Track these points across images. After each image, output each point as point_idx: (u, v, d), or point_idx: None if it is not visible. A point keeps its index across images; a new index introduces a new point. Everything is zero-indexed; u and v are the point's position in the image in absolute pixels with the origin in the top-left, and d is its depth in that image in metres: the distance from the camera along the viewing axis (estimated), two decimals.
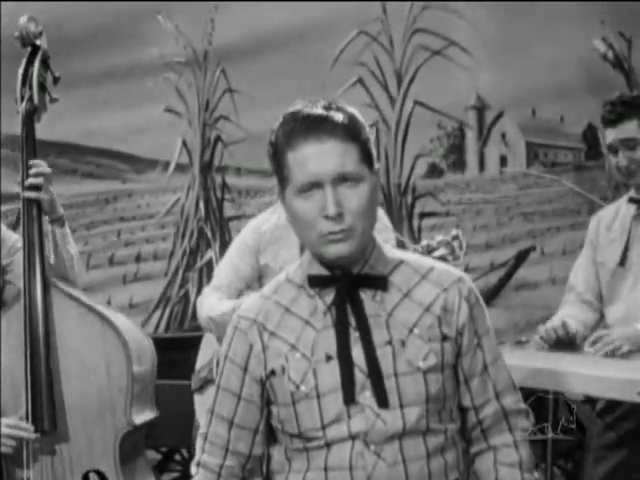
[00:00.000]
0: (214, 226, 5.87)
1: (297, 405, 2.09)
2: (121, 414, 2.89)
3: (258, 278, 3.64)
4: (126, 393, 2.89)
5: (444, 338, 2.11)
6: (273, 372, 2.11)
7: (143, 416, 2.96)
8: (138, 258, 6.00)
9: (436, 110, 5.73)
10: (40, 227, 2.99)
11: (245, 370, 2.14)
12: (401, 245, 3.97)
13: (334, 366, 2.07)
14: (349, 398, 2.05)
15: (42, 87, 3.10)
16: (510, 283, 5.54)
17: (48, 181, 3.01)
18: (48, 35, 3.12)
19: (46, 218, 3.04)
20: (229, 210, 5.90)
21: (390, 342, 2.08)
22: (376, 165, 2.10)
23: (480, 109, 5.78)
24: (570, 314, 3.43)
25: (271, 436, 2.19)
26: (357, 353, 2.07)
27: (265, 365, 2.12)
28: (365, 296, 2.11)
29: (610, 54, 5.42)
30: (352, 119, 2.06)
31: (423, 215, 5.81)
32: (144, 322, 5.81)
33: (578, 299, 3.52)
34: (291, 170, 2.04)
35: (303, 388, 2.08)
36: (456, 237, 3.46)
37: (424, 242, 3.53)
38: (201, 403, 3.67)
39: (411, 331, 2.09)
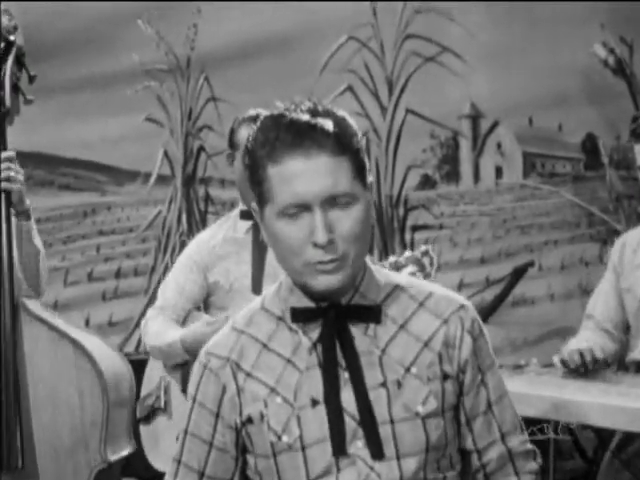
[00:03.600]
0: None
1: (279, 457, 1.85)
2: (95, 450, 2.69)
3: (207, 296, 3.45)
4: (101, 428, 2.68)
5: (445, 377, 1.87)
6: (250, 419, 1.87)
7: (119, 452, 2.75)
8: (118, 274, 5.83)
9: (429, 119, 5.62)
10: (9, 239, 2.81)
11: (217, 416, 1.90)
12: None
13: (321, 412, 1.83)
14: (339, 449, 1.81)
15: (15, 88, 2.93)
16: (506, 298, 5.42)
17: (17, 171, 2.88)
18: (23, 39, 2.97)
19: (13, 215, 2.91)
20: (213, 223, 5.69)
21: (384, 384, 1.84)
22: (369, 179, 1.86)
23: (475, 118, 5.67)
24: (589, 339, 3.24)
25: None
26: (347, 397, 1.83)
27: (240, 410, 1.88)
28: (356, 330, 1.86)
29: (611, 60, 5.30)
30: (343, 126, 1.82)
31: (416, 228, 5.69)
32: (124, 341, 5.63)
33: (597, 327, 3.34)
34: (273, 187, 1.80)
35: (285, 439, 1.84)
36: (426, 253, 3.24)
37: (392, 258, 3.30)
38: (148, 435, 3.44)
39: (408, 370, 1.86)
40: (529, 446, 1.99)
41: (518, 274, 4.32)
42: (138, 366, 3.53)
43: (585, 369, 3.06)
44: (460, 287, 5.35)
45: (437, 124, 5.62)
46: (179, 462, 1.96)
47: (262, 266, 3.34)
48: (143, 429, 3.44)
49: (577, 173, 5.61)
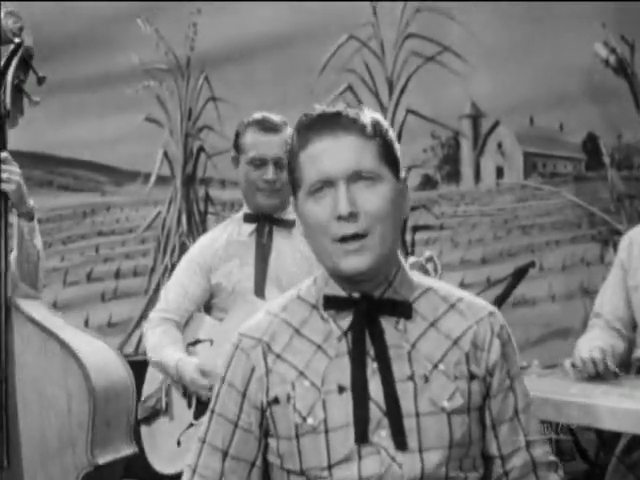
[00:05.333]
0: None
1: (301, 439, 1.87)
2: (82, 452, 2.66)
3: (210, 298, 3.44)
4: (87, 430, 2.65)
5: (472, 377, 1.90)
6: (276, 400, 1.90)
7: (111, 454, 2.72)
8: (117, 274, 5.80)
9: (429, 119, 5.60)
10: (6, 241, 2.79)
11: (244, 395, 1.93)
12: None
13: (347, 399, 1.86)
14: (362, 436, 1.84)
15: (18, 89, 2.90)
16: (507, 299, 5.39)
17: (12, 172, 2.82)
18: None
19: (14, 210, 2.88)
20: (213, 224, 5.66)
21: (412, 377, 1.87)
22: (403, 173, 1.91)
23: (475, 117, 5.65)
24: (599, 337, 3.22)
25: (265, 475, 1.97)
26: (374, 387, 1.86)
27: (267, 391, 1.91)
28: (386, 323, 1.90)
29: (612, 59, 5.27)
30: (374, 118, 1.89)
31: (416, 229, 5.66)
32: (123, 342, 5.60)
33: (607, 326, 3.31)
34: (303, 170, 1.87)
35: (310, 421, 1.86)
36: (430, 259, 3.23)
37: None
38: (148, 435, 3.44)
39: (436, 366, 1.88)
40: (552, 457, 2.00)
41: (519, 274, 4.28)
42: (138, 367, 3.51)
43: (597, 375, 3.05)
44: (461, 288, 5.31)
45: (438, 124, 5.61)
46: (204, 441, 1.98)
47: (265, 269, 3.33)
48: (144, 430, 3.44)
49: (578, 173, 5.59)
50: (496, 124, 5.64)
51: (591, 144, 5.52)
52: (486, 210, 5.65)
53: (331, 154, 1.84)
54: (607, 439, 3.59)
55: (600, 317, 3.34)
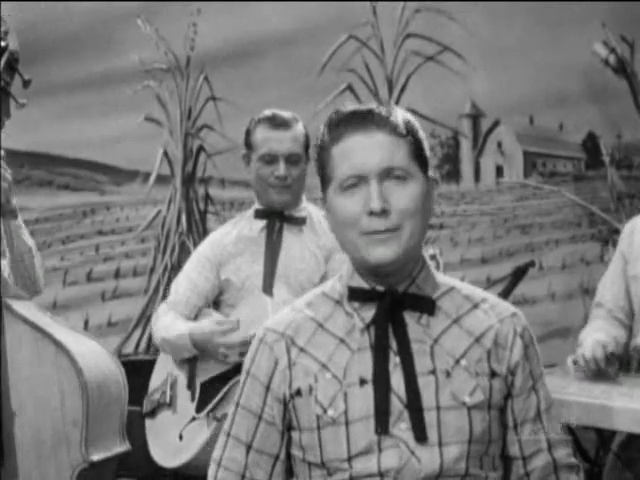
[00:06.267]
0: (197, 240, 5.66)
1: (322, 431, 1.90)
2: (76, 450, 2.67)
3: (218, 294, 3.44)
4: (81, 427, 2.66)
5: (493, 374, 1.92)
6: (299, 392, 1.92)
7: (104, 452, 2.73)
8: (117, 274, 5.81)
9: (429, 118, 5.57)
10: None
11: (268, 388, 1.97)
12: None
13: (368, 391, 1.88)
14: (382, 428, 1.86)
15: (4, 92, 2.90)
16: (507, 299, 5.39)
17: (5, 169, 2.79)
18: (21, 39, 2.90)
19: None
20: (212, 223, 5.69)
21: (434, 372, 1.90)
22: (431, 173, 1.94)
23: (475, 117, 5.65)
24: (601, 328, 3.22)
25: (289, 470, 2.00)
26: (396, 380, 1.89)
27: (290, 383, 1.94)
28: (409, 318, 1.93)
29: (612, 59, 5.26)
30: (405, 118, 1.92)
31: None
32: (123, 342, 5.60)
33: (609, 315, 3.31)
34: (335, 164, 1.90)
35: (331, 412, 1.89)
36: (433, 256, 3.24)
37: None
38: (152, 428, 3.45)
39: (458, 362, 1.91)
40: (573, 460, 2.01)
41: (519, 274, 4.28)
42: (139, 367, 3.52)
43: (598, 372, 3.06)
44: None
45: (437, 123, 5.60)
46: (228, 434, 2.01)
47: (274, 266, 3.34)
48: (148, 423, 3.46)
49: (578, 172, 5.58)
50: (496, 123, 5.63)
51: (591, 143, 5.52)
52: (486, 209, 5.65)
53: (364, 149, 1.88)
54: (607, 438, 3.58)
55: (602, 307, 3.34)
